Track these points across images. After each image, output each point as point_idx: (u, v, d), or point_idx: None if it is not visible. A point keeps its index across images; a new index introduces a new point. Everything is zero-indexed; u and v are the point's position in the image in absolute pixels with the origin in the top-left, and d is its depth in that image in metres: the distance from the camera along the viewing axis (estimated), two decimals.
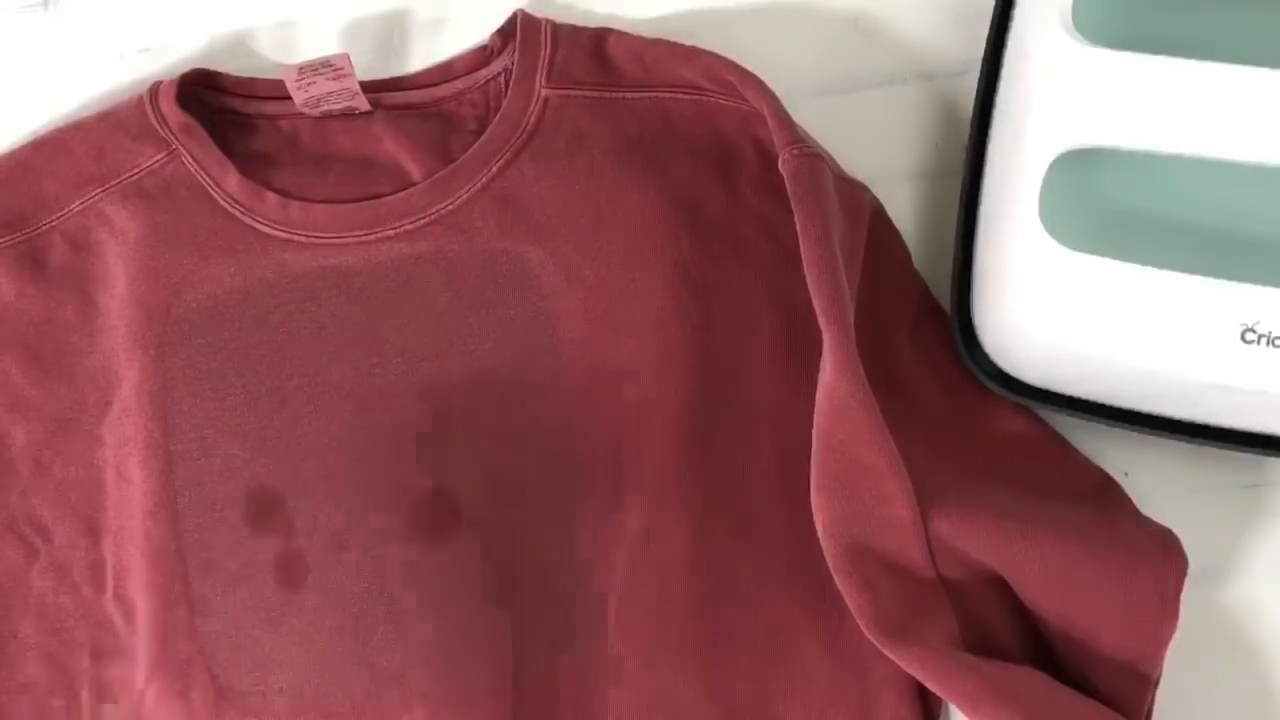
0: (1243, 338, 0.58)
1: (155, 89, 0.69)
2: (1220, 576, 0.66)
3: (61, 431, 0.67)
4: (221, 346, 0.66)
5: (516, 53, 0.68)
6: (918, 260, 0.68)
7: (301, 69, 0.66)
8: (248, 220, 0.67)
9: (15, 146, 0.70)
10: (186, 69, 0.69)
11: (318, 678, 0.63)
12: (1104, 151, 0.61)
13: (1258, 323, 0.58)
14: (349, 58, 0.66)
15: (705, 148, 0.67)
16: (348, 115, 0.69)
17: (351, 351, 0.65)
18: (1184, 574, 0.60)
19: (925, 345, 0.67)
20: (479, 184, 0.66)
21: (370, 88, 0.69)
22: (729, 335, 0.65)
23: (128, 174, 0.68)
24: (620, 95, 0.68)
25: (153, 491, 0.65)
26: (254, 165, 0.68)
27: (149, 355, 0.65)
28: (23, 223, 0.68)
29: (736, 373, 0.65)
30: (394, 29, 0.73)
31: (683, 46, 0.67)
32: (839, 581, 0.60)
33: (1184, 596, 0.59)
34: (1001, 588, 0.61)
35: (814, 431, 0.61)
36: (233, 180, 0.67)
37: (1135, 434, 0.63)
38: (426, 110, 0.70)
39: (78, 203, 0.68)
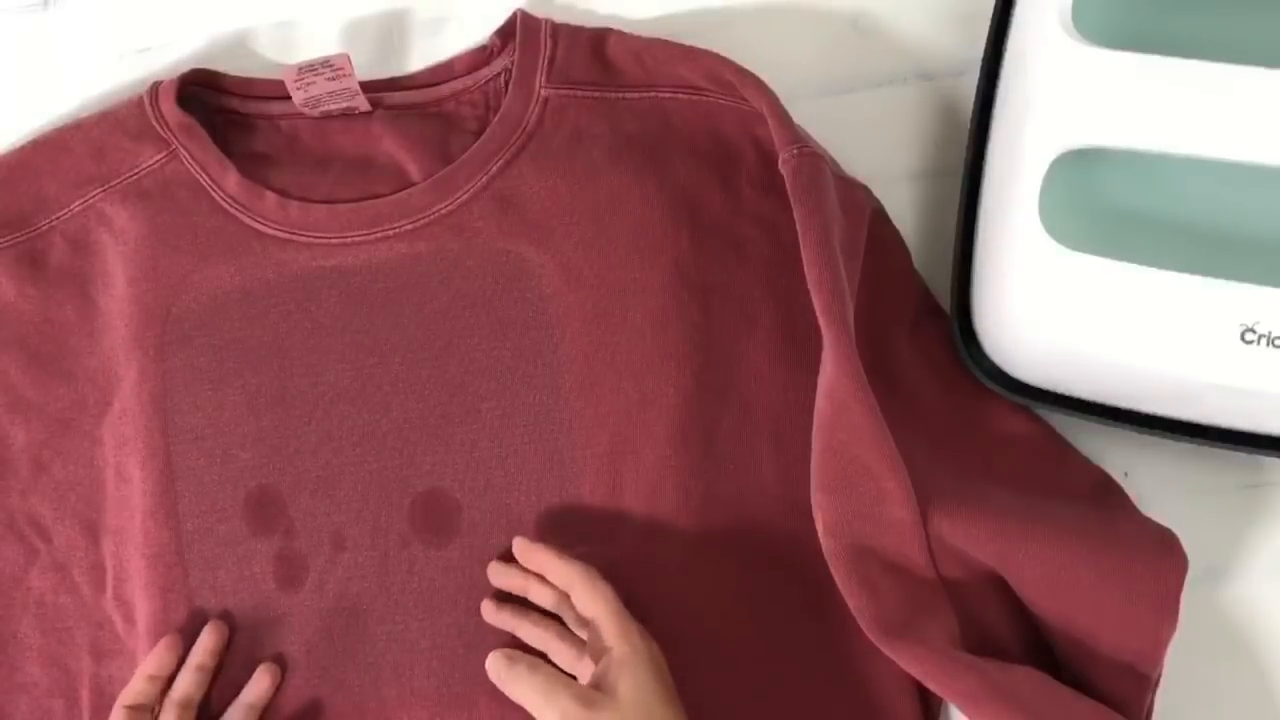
0: (1243, 338, 0.58)
1: (155, 89, 0.69)
2: (1220, 576, 0.66)
3: (61, 431, 0.67)
4: (221, 346, 0.66)
5: (516, 53, 0.68)
6: (918, 260, 0.68)
7: (301, 69, 0.66)
8: (247, 220, 0.67)
9: (15, 146, 0.70)
10: (186, 69, 0.69)
11: (318, 677, 0.64)
12: (1104, 151, 0.61)
13: (1258, 323, 0.58)
14: (349, 58, 0.66)
15: (705, 148, 0.67)
16: (347, 115, 0.69)
17: (351, 351, 0.65)
18: (1184, 574, 0.60)
19: (925, 345, 0.67)
20: (479, 184, 0.66)
21: (370, 88, 0.69)
22: (729, 334, 0.65)
23: (128, 174, 0.68)
24: (620, 95, 0.68)
25: (152, 491, 0.65)
26: (254, 165, 0.68)
27: (149, 355, 0.65)
28: (23, 223, 0.68)
29: (736, 372, 0.65)
30: (394, 29, 0.73)
31: (683, 46, 0.67)
32: (839, 581, 0.60)
33: (1184, 596, 0.59)
34: (1001, 588, 0.61)
35: (814, 431, 0.61)
36: (232, 180, 0.67)
37: (1135, 434, 0.63)
38: (426, 110, 0.70)
39: (78, 203, 0.68)
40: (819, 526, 0.61)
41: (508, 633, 0.63)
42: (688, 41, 0.68)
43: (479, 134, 0.68)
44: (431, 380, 0.65)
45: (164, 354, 0.66)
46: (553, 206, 0.66)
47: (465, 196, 0.66)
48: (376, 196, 0.67)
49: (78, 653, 0.66)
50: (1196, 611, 0.63)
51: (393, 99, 0.70)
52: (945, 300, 0.67)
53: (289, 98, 0.68)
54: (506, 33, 0.69)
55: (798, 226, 0.62)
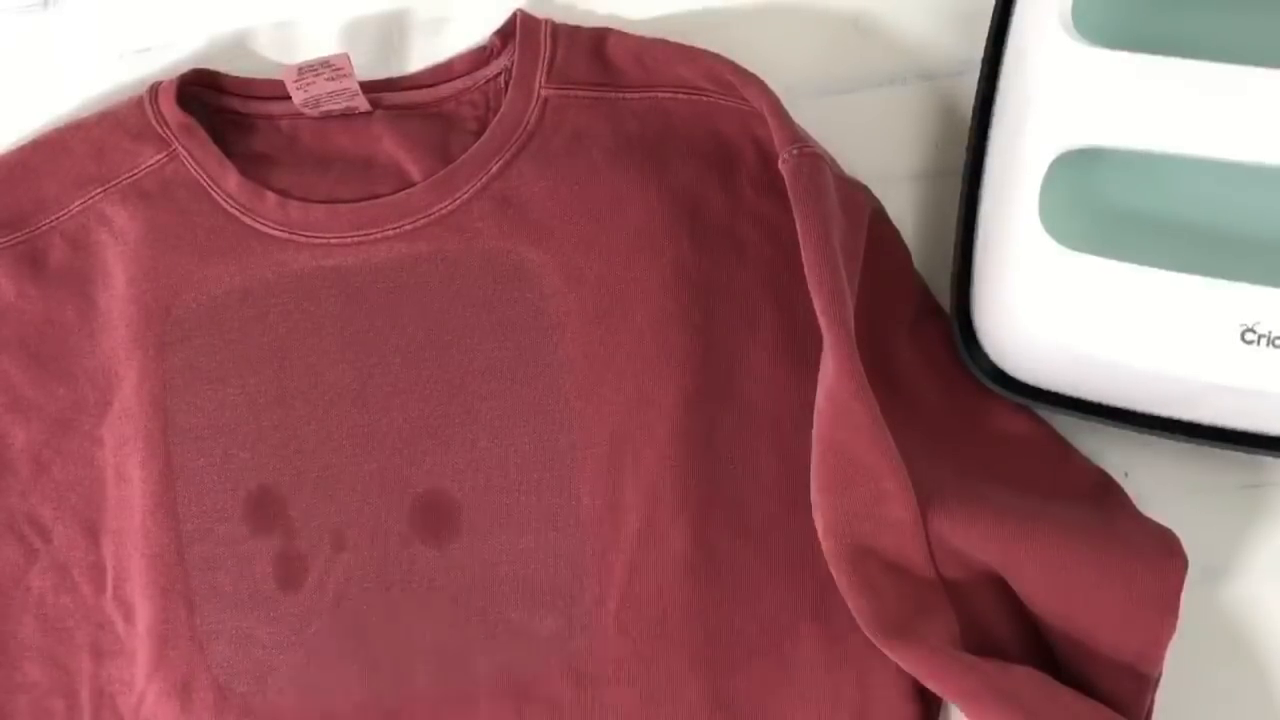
0: (1243, 338, 0.58)
1: (155, 89, 0.69)
2: (1220, 576, 0.66)
3: (61, 431, 0.67)
4: (221, 347, 0.66)
5: (516, 53, 0.68)
6: (918, 260, 0.68)
7: (301, 69, 0.66)
8: (247, 220, 0.67)
9: (15, 146, 0.70)
10: (186, 69, 0.69)
11: (318, 678, 0.64)
12: (1104, 151, 0.61)
13: (1258, 323, 0.58)
14: (349, 58, 0.66)
15: (705, 148, 0.67)
16: (347, 115, 0.69)
17: (351, 351, 0.65)
18: (1184, 574, 0.60)
19: (925, 345, 0.67)
20: (479, 184, 0.66)
21: (370, 88, 0.69)
22: (729, 335, 0.65)
23: (127, 174, 0.68)
24: (620, 95, 0.68)
25: (152, 492, 0.65)
26: (254, 165, 0.68)
27: (149, 355, 0.65)
28: (23, 223, 0.68)
29: (736, 373, 0.65)
30: (394, 29, 0.73)
31: (682, 46, 0.67)
32: (839, 581, 0.60)
33: (1184, 596, 0.59)
34: (1001, 588, 0.61)
35: (814, 431, 0.61)
36: (232, 180, 0.67)
37: (1135, 434, 0.63)
38: (426, 110, 0.70)
39: (77, 203, 0.68)
40: (819, 527, 0.61)
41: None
42: (688, 41, 0.68)
43: (479, 134, 0.68)
44: (431, 380, 0.65)
45: (164, 354, 0.66)
46: (553, 207, 0.66)
47: (465, 196, 0.66)
48: (376, 197, 0.67)
49: (77, 653, 0.66)
50: (1196, 611, 0.63)
51: (393, 99, 0.70)
52: (945, 300, 0.67)
53: (289, 98, 0.68)
54: (506, 33, 0.69)
55: (798, 227, 0.62)
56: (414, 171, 0.68)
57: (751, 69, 0.66)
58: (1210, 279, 0.58)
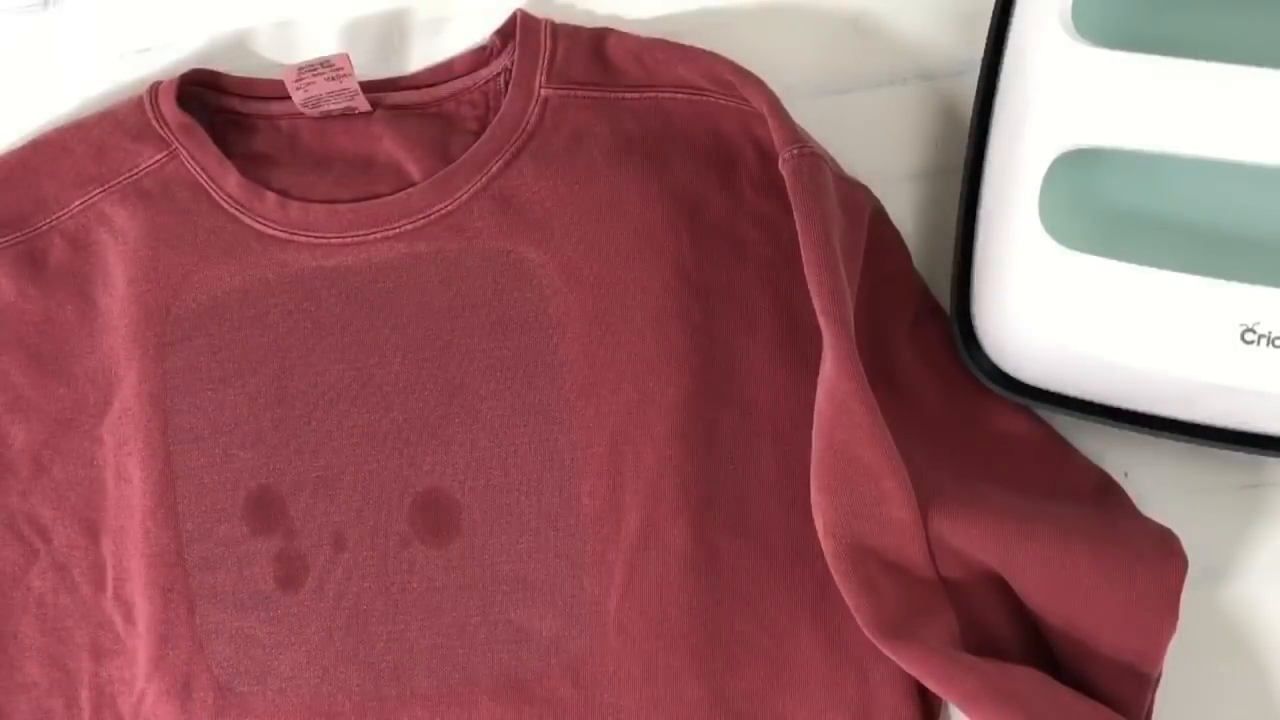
0: (1243, 338, 0.58)
1: (155, 89, 0.69)
2: (1220, 576, 0.66)
3: (61, 431, 0.67)
4: (221, 347, 0.66)
5: (516, 53, 0.68)
6: (918, 260, 0.68)
7: (301, 69, 0.66)
8: (247, 220, 0.67)
9: (15, 146, 0.70)
10: (186, 69, 0.69)
11: (318, 678, 0.64)
12: (1104, 151, 0.61)
13: (1258, 323, 0.58)
14: (349, 58, 0.66)
15: (705, 148, 0.67)
16: (347, 115, 0.69)
17: (351, 351, 0.65)
18: (1184, 574, 0.60)
19: (925, 345, 0.67)
20: (478, 184, 0.66)
21: (370, 88, 0.69)
22: (728, 335, 0.65)
23: (127, 174, 0.68)
24: (620, 95, 0.68)
25: (152, 491, 0.65)
26: (254, 165, 0.68)
27: (149, 355, 0.65)
28: (23, 222, 0.68)
29: (736, 372, 0.65)
30: (394, 29, 0.73)
31: (682, 46, 0.67)
32: (839, 581, 0.60)
33: (1184, 596, 0.59)
34: (1001, 588, 0.61)
35: (814, 431, 0.61)
36: (232, 180, 0.67)
37: (1135, 434, 0.63)
38: (426, 110, 0.70)
39: (77, 203, 0.68)
40: (819, 527, 0.61)
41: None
42: (688, 41, 0.68)
43: (479, 134, 0.68)
44: (431, 380, 0.65)
45: (164, 354, 0.66)
46: (553, 206, 0.66)
47: (465, 196, 0.66)
48: (377, 196, 0.67)
49: (78, 653, 0.66)
50: (1196, 611, 0.63)
51: (393, 99, 0.70)
52: (945, 300, 0.67)
53: (289, 98, 0.68)
54: (506, 33, 0.69)
55: (797, 226, 0.62)
56: (414, 171, 0.68)
57: (751, 69, 0.66)
58: (1210, 279, 0.58)
